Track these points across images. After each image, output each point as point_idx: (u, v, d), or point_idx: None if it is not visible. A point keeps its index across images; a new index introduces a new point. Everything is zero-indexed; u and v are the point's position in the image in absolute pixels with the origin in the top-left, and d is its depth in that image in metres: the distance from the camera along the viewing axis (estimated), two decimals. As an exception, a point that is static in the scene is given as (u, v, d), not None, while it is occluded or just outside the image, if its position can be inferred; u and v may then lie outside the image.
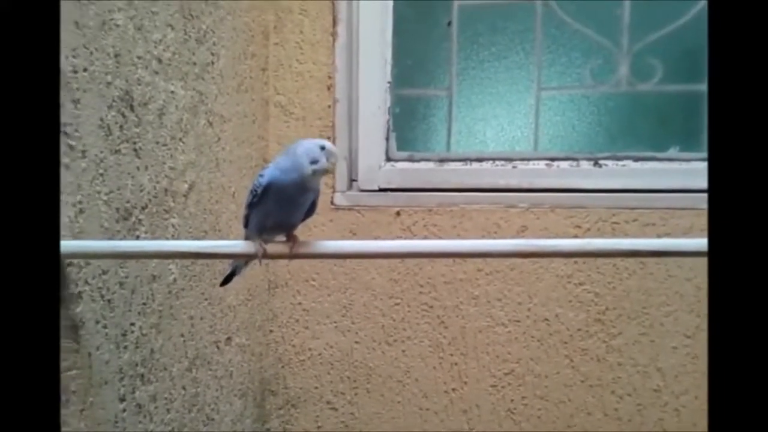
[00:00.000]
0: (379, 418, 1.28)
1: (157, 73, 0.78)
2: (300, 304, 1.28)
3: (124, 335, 0.74)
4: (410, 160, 1.26)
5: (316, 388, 1.29)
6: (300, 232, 1.23)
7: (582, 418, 1.22)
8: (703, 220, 1.13)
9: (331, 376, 1.28)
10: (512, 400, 1.24)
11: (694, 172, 1.16)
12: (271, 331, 1.28)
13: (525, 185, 1.21)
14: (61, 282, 0.58)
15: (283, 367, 1.29)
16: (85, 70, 0.63)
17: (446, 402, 1.26)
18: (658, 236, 1.14)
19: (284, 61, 1.21)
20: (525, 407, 1.24)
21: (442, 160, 1.25)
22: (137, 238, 0.75)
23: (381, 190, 1.25)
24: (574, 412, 1.22)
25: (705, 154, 1.19)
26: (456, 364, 1.24)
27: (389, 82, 1.25)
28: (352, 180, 1.26)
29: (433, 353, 1.25)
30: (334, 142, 1.23)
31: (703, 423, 1.19)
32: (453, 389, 1.25)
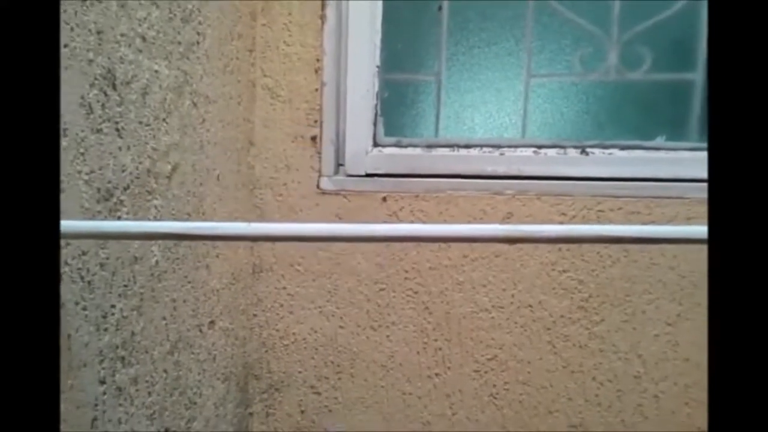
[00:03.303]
0: (362, 402, 1.28)
1: (140, 51, 0.76)
2: (285, 288, 1.27)
3: (104, 317, 0.73)
4: (398, 145, 1.25)
5: (300, 372, 1.29)
6: (285, 215, 1.23)
7: (563, 404, 1.23)
8: (687, 209, 1.14)
9: (315, 360, 1.28)
10: (495, 386, 1.25)
11: (680, 161, 1.17)
12: (255, 315, 1.27)
13: (512, 172, 1.21)
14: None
15: (267, 351, 1.29)
16: (65, 46, 0.62)
17: (430, 387, 1.26)
18: (643, 225, 1.14)
19: (272, 43, 1.20)
20: (507, 392, 1.25)
21: (429, 146, 1.25)
22: (118, 218, 0.74)
23: (368, 175, 1.24)
24: (555, 397, 1.23)
25: (691, 144, 1.19)
26: (440, 349, 1.25)
27: (378, 66, 1.24)
28: (338, 164, 1.25)
29: (417, 338, 1.25)
30: (321, 126, 1.22)
31: (681, 409, 1.21)
32: (436, 374, 1.26)
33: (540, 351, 1.23)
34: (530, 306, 1.22)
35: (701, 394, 1.20)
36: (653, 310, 1.19)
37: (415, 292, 1.24)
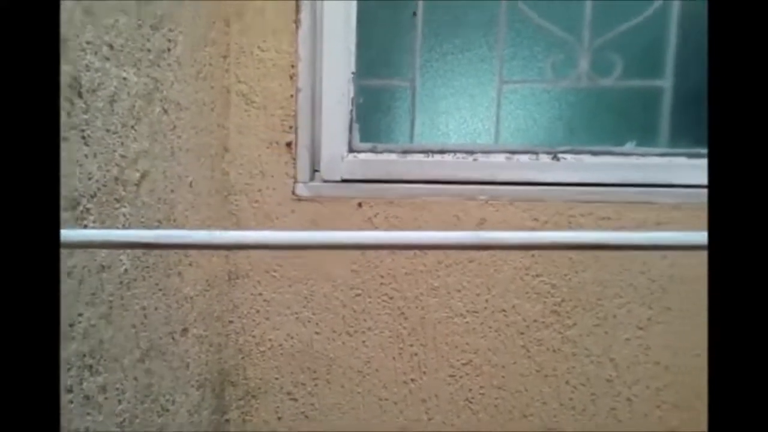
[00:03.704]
0: (339, 408, 1.28)
1: (108, 59, 0.76)
2: (261, 294, 1.27)
3: (71, 326, 0.73)
4: (373, 151, 1.26)
5: (276, 378, 1.28)
6: (261, 222, 1.22)
7: (538, 408, 1.25)
8: (657, 214, 1.16)
9: (291, 366, 1.28)
10: (470, 390, 1.26)
11: (650, 166, 1.19)
12: (231, 321, 1.27)
13: (485, 178, 1.22)
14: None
15: (243, 357, 1.29)
16: (28, 54, 0.62)
17: (405, 392, 1.27)
18: (613, 230, 1.16)
19: (246, 48, 1.20)
20: (482, 397, 1.25)
21: (404, 152, 1.25)
22: (85, 227, 0.74)
23: (343, 181, 1.24)
24: (529, 401, 1.24)
25: (661, 149, 1.21)
26: (415, 354, 1.25)
27: (353, 72, 1.24)
28: (314, 170, 1.25)
29: (392, 344, 1.26)
30: (296, 132, 1.22)
31: (653, 412, 1.22)
32: (412, 379, 1.26)
33: (514, 355, 1.24)
34: (504, 310, 1.23)
35: (673, 397, 1.22)
36: (624, 314, 1.20)
37: (391, 298, 1.24)
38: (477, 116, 1.26)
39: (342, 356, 1.27)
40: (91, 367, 0.78)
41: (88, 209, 0.74)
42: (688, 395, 1.21)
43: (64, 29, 0.67)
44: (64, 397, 0.72)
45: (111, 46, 0.77)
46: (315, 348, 1.27)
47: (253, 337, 1.28)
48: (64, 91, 0.68)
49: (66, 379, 0.73)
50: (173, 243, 0.67)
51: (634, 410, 1.23)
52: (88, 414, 0.78)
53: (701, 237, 0.50)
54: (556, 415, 1.24)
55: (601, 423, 1.24)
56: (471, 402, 1.25)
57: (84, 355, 0.76)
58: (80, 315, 0.75)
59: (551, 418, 1.24)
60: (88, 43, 0.72)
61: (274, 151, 1.22)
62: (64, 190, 0.69)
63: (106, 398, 0.82)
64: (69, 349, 0.73)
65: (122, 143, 0.81)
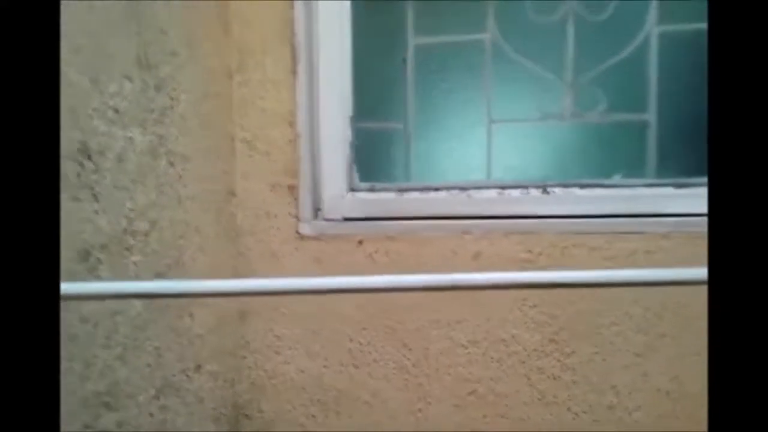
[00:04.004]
0: (347, 439, 1.32)
1: (113, 122, 0.84)
2: (271, 330, 1.33)
3: (86, 367, 0.80)
4: (371, 190, 1.32)
5: (289, 411, 1.33)
6: (267, 260, 1.29)
7: (541, 435, 1.27)
8: (646, 244, 1.20)
9: (302, 399, 1.33)
10: (474, 419, 1.29)
11: (638, 197, 1.23)
12: (244, 357, 1.33)
13: (479, 213, 1.27)
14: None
15: (257, 392, 1.34)
16: (42, 126, 0.69)
17: (412, 421, 1.30)
18: (604, 259, 1.20)
19: (248, 99, 1.28)
20: (487, 425, 1.28)
21: (401, 190, 1.31)
22: (98, 277, 0.81)
23: (344, 219, 1.31)
24: (533, 429, 1.27)
25: (648, 180, 1.25)
26: (420, 384, 1.30)
27: (350, 116, 1.31)
28: (317, 210, 1.32)
29: (397, 375, 1.30)
30: (298, 174, 1.29)
31: (656, 437, 1.24)
32: (419, 409, 1.30)
33: (516, 384, 1.27)
34: (504, 340, 1.26)
35: (674, 423, 1.23)
36: (621, 341, 1.23)
37: (394, 330, 1.29)
38: (469, 154, 1.32)
39: (350, 388, 1.32)
40: (107, 404, 0.85)
41: (99, 259, 0.81)
42: (688, 422, 1.23)
43: (72, 99, 0.75)
44: (80, 434, 0.79)
45: (116, 110, 0.85)
46: (324, 381, 1.32)
47: (266, 371, 1.33)
48: (74, 155, 0.75)
49: (83, 416, 0.79)
50: (175, 293, 0.74)
51: (637, 435, 1.25)
52: (103, 449, 0.84)
53: (700, 273, 0.53)
54: (560, 441, 1.27)
55: (605, 449, 1.26)
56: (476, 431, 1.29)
57: (100, 394, 0.83)
58: (95, 357, 0.82)
59: (555, 445, 1.27)
60: (94, 109, 0.80)
61: (278, 193, 1.29)
62: (77, 244, 0.76)
63: (120, 434, 0.88)
64: (86, 389, 0.79)
65: (130, 197, 0.88)
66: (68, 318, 0.76)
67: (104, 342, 0.84)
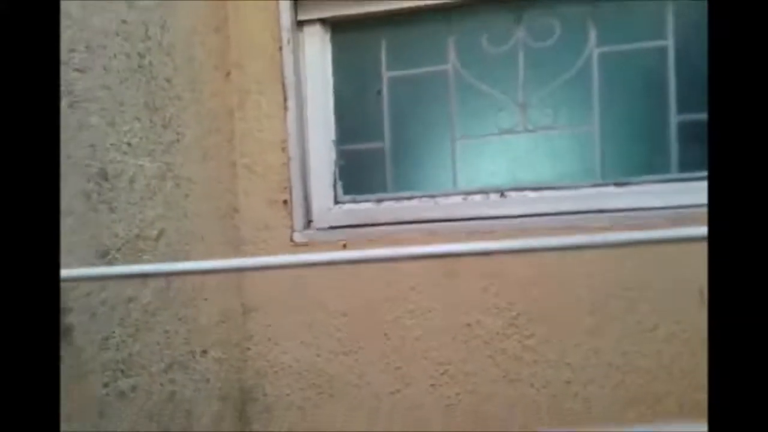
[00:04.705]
0: (340, 418, 1.53)
1: (126, 153, 1.10)
2: (270, 325, 1.56)
3: (105, 339, 1.04)
4: (354, 201, 1.55)
5: (288, 395, 1.56)
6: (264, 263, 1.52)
7: (507, 410, 1.44)
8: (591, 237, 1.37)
9: (299, 384, 1.55)
10: (448, 397, 1.47)
11: (582, 197, 1.41)
12: (248, 348, 1.56)
13: (445, 216, 1.48)
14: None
15: (261, 378, 1.57)
16: (69, 157, 0.95)
17: (394, 401, 1.50)
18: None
19: (247, 131, 1.54)
20: (459, 402, 1.47)
21: (379, 200, 1.54)
22: (114, 270, 1.06)
23: (331, 227, 1.54)
24: (500, 404, 1.45)
25: (593, 181, 1.43)
26: (399, 368, 1.49)
27: (333, 141, 1.55)
28: (308, 221, 1.55)
29: (379, 360, 1.50)
30: (290, 191, 1.53)
31: (609, 410, 1.40)
32: (398, 390, 1.50)
33: (483, 364, 1.45)
34: (469, 325, 1.45)
35: (624, 394, 1.39)
36: (574, 322, 1.40)
37: (375, 322, 1.50)
38: (437, 167, 1.54)
39: (340, 373, 1.53)
40: (123, 371, 1.09)
41: (116, 258, 1.06)
42: (638, 391, 1.38)
43: (93, 138, 1.01)
44: (101, 391, 1.03)
45: (129, 144, 1.11)
46: (318, 367, 1.54)
47: (268, 361, 1.56)
48: (94, 178, 1.01)
49: (103, 377, 1.03)
50: (168, 271, 0.98)
51: (593, 409, 1.40)
52: (122, 407, 1.08)
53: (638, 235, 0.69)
54: (525, 416, 1.44)
55: (564, 420, 1.42)
56: (449, 407, 1.47)
57: (117, 362, 1.07)
58: (113, 332, 1.06)
59: (519, 420, 1.44)
60: (111, 144, 1.06)
61: (274, 208, 1.53)
62: (96, 245, 1.02)
63: (135, 396, 1.12)
64: (104, 357, 1.04)
65: (141, 211, 1.14)
66: (89, 301, 1.01)
67: (120, 321, 1.09)
